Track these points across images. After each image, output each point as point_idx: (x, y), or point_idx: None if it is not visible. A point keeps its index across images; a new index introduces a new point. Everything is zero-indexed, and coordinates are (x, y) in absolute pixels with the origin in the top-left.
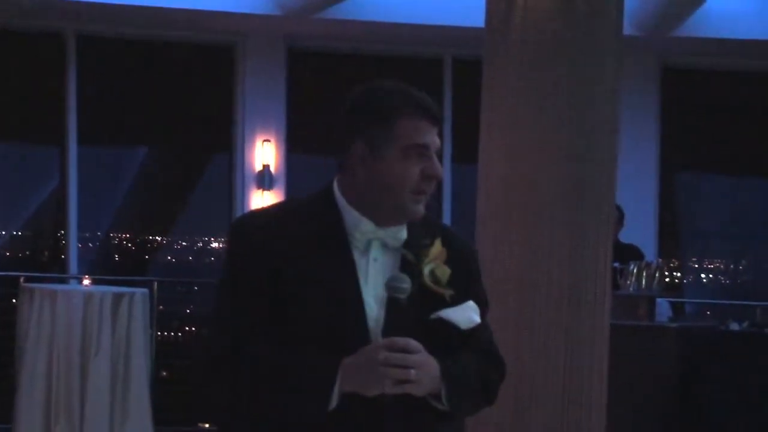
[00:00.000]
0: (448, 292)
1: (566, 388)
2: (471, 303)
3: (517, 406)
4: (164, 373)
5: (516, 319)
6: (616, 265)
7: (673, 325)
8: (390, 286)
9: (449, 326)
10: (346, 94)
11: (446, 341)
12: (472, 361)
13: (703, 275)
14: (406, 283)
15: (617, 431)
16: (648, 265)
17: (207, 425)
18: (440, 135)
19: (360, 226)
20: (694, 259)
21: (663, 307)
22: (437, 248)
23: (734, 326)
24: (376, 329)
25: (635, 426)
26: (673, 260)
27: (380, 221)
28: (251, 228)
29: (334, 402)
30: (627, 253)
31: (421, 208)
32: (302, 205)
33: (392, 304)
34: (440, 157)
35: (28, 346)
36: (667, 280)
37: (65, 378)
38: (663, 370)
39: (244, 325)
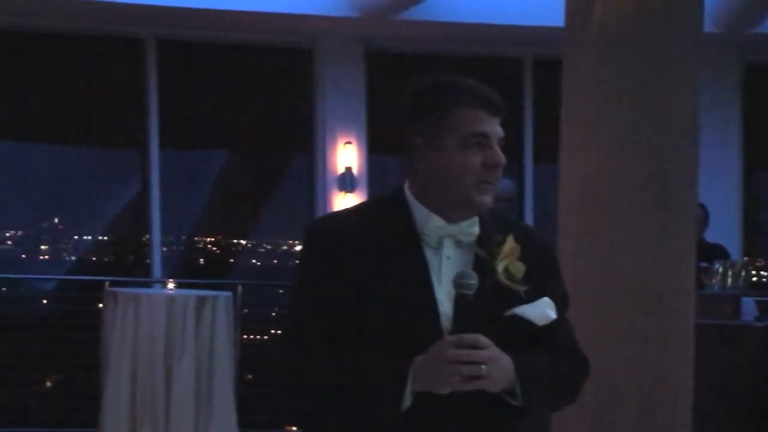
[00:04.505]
0: (523, 288)
1: (650, 388)
2: (546, 299)
3: (599, 404)
4: (249, 376)
5: (597, 317)
6: (703, 264)
7: (759, 324)
8: (457, 283)
9: (524, 323)
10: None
11: (520, 338)
12: (549, 358)
13: None
14: (473, 279)
15: (701, 430)
16: (733, 263)
17: (293, 428)
18: (505, 126)
19: (430, 223)
20: None
21: (749, 306)
22: (510, 244)
23: None
24: (448, 327)
25: (720, 425)
26: (759, 259)
27: (449, 216)
28: (323, 230)
29: (407, 402)
30: (713, 253)
31: (487, 199)
32: (375, 206)
33: (460, 300)
34: (503, 148)
35: (112, 351)
36: (753, 279)
37: (149, 382)
38: (748, 369)
39: (317, 328)
